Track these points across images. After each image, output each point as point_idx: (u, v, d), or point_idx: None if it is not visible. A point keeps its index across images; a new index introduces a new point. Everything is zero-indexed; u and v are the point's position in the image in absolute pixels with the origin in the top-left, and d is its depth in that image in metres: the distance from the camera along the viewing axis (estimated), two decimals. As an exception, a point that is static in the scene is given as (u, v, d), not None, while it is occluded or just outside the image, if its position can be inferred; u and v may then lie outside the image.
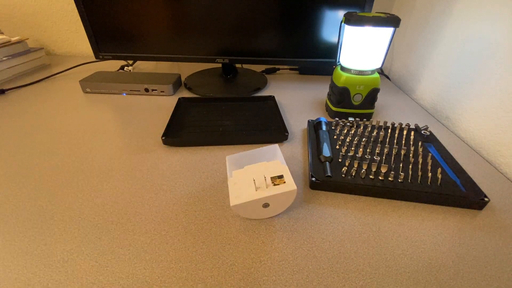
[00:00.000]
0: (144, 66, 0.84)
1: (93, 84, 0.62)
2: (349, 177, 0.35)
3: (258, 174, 0.30)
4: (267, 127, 0.48)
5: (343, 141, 0.42)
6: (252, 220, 0.31)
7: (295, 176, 0.38)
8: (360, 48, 0.46)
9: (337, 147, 0.41)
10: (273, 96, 0.58)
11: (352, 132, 0.43)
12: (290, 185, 0.29)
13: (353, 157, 0.38)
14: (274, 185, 0.29)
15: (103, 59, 0.66)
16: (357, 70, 0.48)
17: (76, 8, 0.58)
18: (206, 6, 0.58)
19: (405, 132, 0.44)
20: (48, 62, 0.85)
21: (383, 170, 0.34)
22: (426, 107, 0.62)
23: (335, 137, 0.43)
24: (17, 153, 0.42)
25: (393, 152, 0.39)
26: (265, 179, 0.29)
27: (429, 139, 0.43)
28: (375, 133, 0.43)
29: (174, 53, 0.64)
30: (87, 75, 0.66)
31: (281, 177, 0.30)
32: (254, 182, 0.29)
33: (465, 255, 0.28)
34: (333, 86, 0.52)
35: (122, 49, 0.65)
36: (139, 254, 0.27)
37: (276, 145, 0.36)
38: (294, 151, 0.43)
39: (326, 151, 0.39)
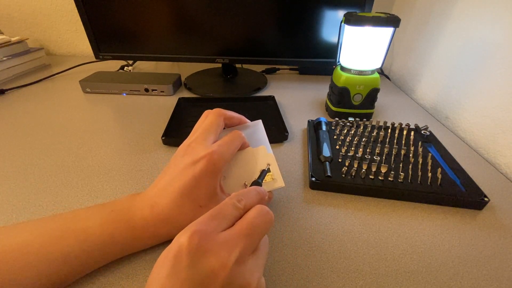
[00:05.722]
0: (144, 66, 0.84)
1: (93, 84, 0.62)
2: (349, 177, 0.35)
3: (246, 165, 0.30)
4: (267, 127, 0.48)
5: (343, 141, 0.42)
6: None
7: (295, 176, 0.38)
8: (360, 48, 0.46)
9: (337, 147, 0.41)
10: (273, 96, 0.58)
11: (352, 132, 0.43)
12: (278, 181, 0.29)
13: (353, 157, 0.38)
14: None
15: (103, 59, 0.66)
16: (357, 70, 0.48)
17: (76, 8, 0.58)
18: (206, 6, 0.58)
19: (405, 132, 0.44)
20: (48, 62, 0.85)
21: (383, 170, 0.34)
22: (426, 107, 0.62)
23: (335, 137, 0.43)
24: (17, 153, 0.42)
25: (393, 152, 0.39)
26: (255, 176, 0.29)
27: (429, 139, 0.43)
28: (375, 133, 0.43)
29: (174, 53, 0.64)
30: (87, 75, 0.66)
31: (268, 170, 0.30)
32: (245, 184, 0.29)
33: (465, 255, 0.28)
34: (333, 86, 0.52)
35: (122, 49, 0.65)
36: (139, 253, 0.27)
37: (260, 122, 0.34)
38: (294, 151, 0.43)
39: (326, 151, 0.39)
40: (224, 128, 0.31)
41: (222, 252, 0.17)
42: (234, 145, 0.28)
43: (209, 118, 0.29)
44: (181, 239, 0.18)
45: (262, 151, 0.31)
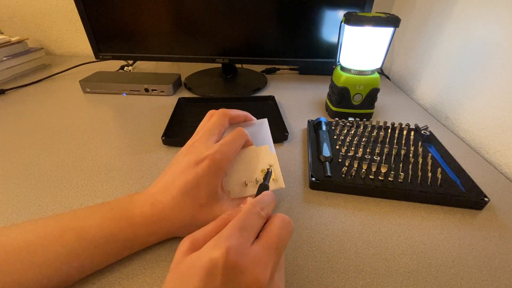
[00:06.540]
0: (144, 66, 0.84)
1: (93, 84, 0.62)
2: (349, 177, 0.35)
3: (248, 164, 0.30)
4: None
5: (343, 141, 0.42)
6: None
7: (295, 176, 0.38)
8: (360, 48, 0.46)
9: (337, 147, 0.41)
10: (273, 96, 0.58)
11: (352, 132, 0.43)
12: (279, 182, 0.30)
13: (353, 157, 0.38)
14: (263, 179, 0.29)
15: (103, 59, 0.66)
16: (357, 70, 0.48)
17: (76, 8, 0.58)
18: (206, 6, 0.58)
19: (405, 132, 0.44)
20: (48, 62, 0.85)
21: (383, 170, 0.34)
22: (426, 107, 0.62)
23: (335, 137, 0.43)
24: (17, 153, 0.42)
25: (393, 152, 0.39)
26: (256, 175, 0.30)
27: (429, 139, 0.43)
28: (375, 133, 0.43)
29: (174, 53, 0.64)
30: (87, 75, 0.66)
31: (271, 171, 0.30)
32: (245, 182, 0.29)
33: (465, 255, 0.28)
34: (333, 86, 0.52)
35: (122, 49, 0.65)
36: (139, 253, 0.27)
37: (265, 120, 0.34)
38: (294, 151, 0.43)
39: (326, 151, 0.39)
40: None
41: (256, 269, 0.17)
42: (237, 144, 0.28)
43: (213, 119, 0.29)
44: (215, 255, 0.17)
45: (265, 150, 0.31)
